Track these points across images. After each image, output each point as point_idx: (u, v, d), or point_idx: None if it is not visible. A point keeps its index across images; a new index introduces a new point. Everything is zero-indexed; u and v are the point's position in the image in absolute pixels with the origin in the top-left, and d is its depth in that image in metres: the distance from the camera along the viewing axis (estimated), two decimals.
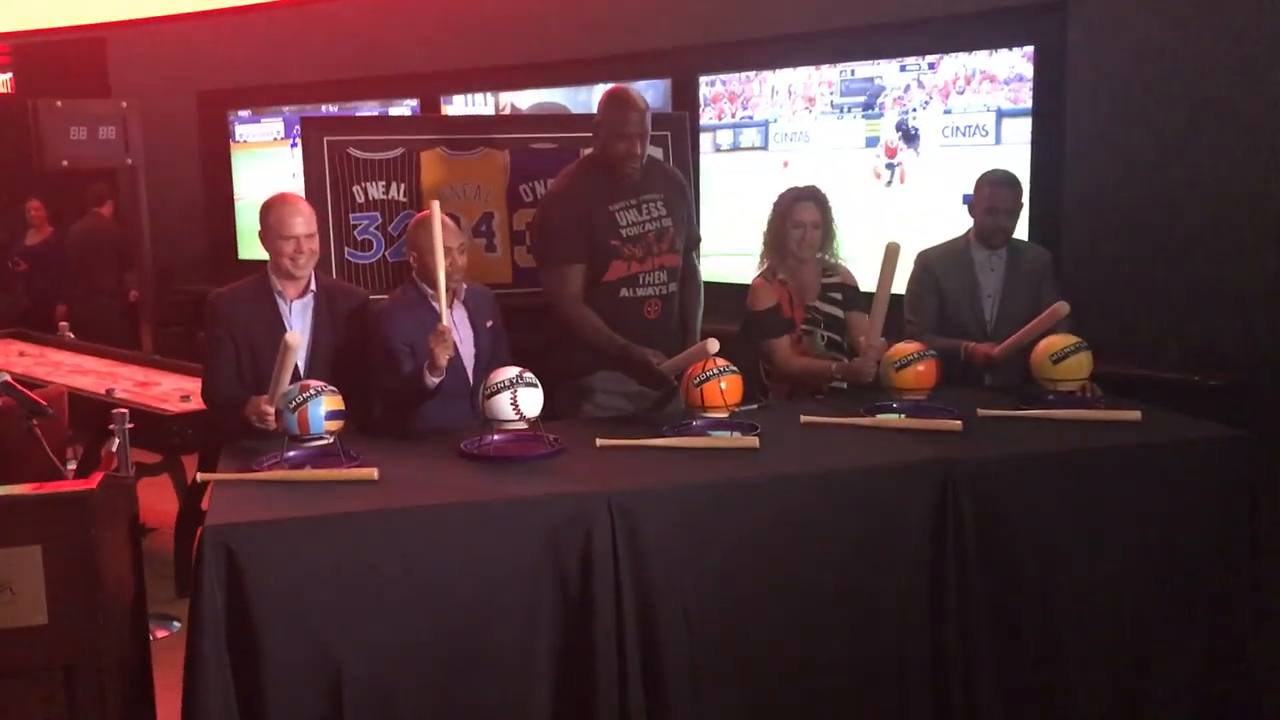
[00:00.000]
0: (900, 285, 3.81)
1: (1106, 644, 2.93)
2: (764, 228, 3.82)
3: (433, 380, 3.17)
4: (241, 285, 3.38)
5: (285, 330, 3.22)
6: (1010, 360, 3.60)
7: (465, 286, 3.42)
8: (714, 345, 3.10)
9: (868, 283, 3.80)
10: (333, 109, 7.74)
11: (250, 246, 8.39)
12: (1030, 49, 4.69)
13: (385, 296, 3.72)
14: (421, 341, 3.20)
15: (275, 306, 3.31)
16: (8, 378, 3.10)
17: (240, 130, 8.56)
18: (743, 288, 3.88)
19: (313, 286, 3.36)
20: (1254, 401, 3.98)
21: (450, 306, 3.25)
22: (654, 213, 3.70)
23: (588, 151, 3.93)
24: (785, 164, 5.53)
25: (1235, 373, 4.12)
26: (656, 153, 4.45)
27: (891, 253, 3.25)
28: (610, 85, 3.95)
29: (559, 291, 3.62)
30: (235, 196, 8.56)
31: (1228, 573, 2.98)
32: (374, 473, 2.73)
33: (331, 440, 2.86)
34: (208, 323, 3.34)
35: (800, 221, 3.70)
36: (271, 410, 2.95)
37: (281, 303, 3.31)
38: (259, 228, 3.33)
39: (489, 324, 3.45)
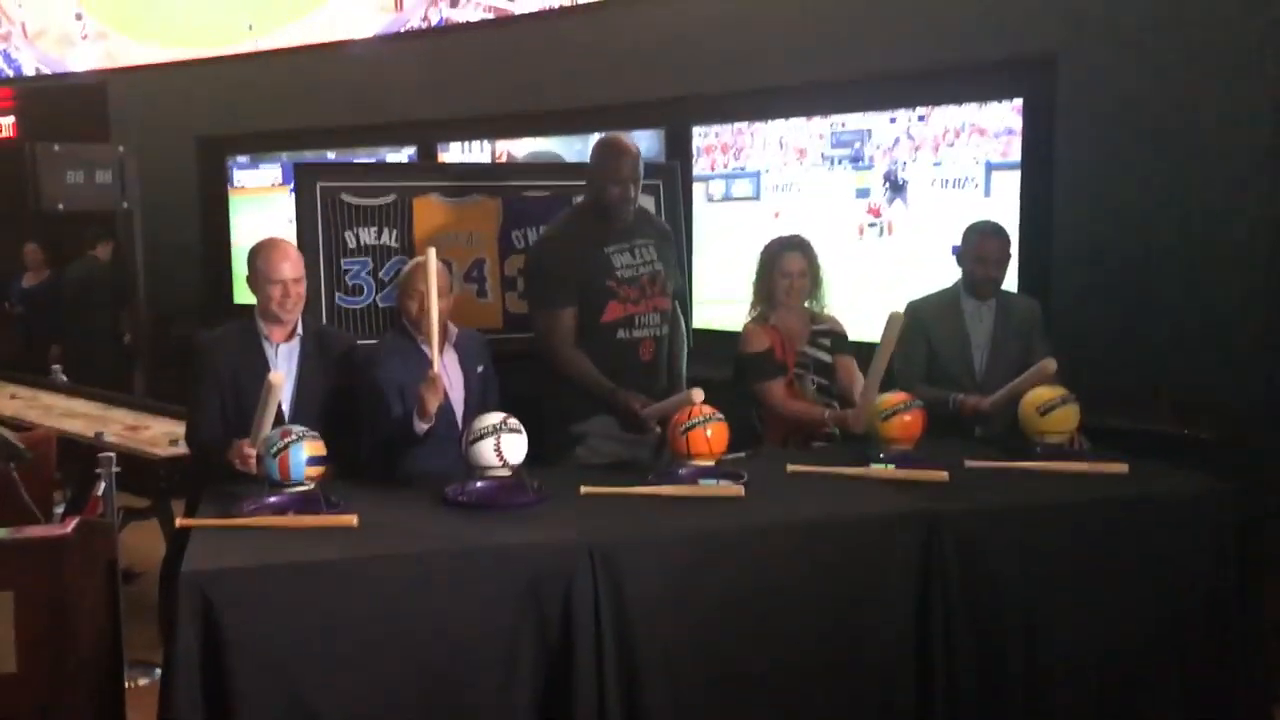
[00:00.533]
0: None
1: (1094, 698, 2.89)
2: (752, 277, 3.84)
3: (421, 426, 3.15)
4: (228, 328, 3.38)
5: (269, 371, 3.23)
6: (1000, 413, 3.59)
7: (455, 330, 3.41)
8: (699, 395, 3.10)
9: (855, 332, 3.82)
10: (331, 155, 7.79)
11: (246, 291, 8.39)
12: (1019, 102, 4.73)
13: (374, 341, 3.72)
14: (410, 386, 3.19)
15: (261, 350, 3.30)
16: None
17: (239, 176, 8.61)
18: (735, 335, 3.89)
19: (299, 331, 3.35)
20: (1243, 454, 3.96)
21: (440, 352, 3.24)
22: (646, 256, 3.72)
23: (579, 199, 3.95)
24: (776, 214, 5.55)
25: (1225, 426, 4.10)
26: (649, 202, 4.47)
27: (893, 321, 3.25)
28: (594, 136, 3.99)
29: (549, 333, 3.62)
30: (232, 241, 8.60)
31: (1217, 626, 2.95)
32: (354, 520, 2.71)
33: (312, 486, 2.84)
34: (194, 365, 3.33)
35: (788, 271, 3.73)
36: (254, 453, 2.94)
37: (268, 346, 3.30)
38: (247, 271, 3.33)
39: (479, 369, 3.44)
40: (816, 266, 3.78)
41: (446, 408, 3.26)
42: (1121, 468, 3.15)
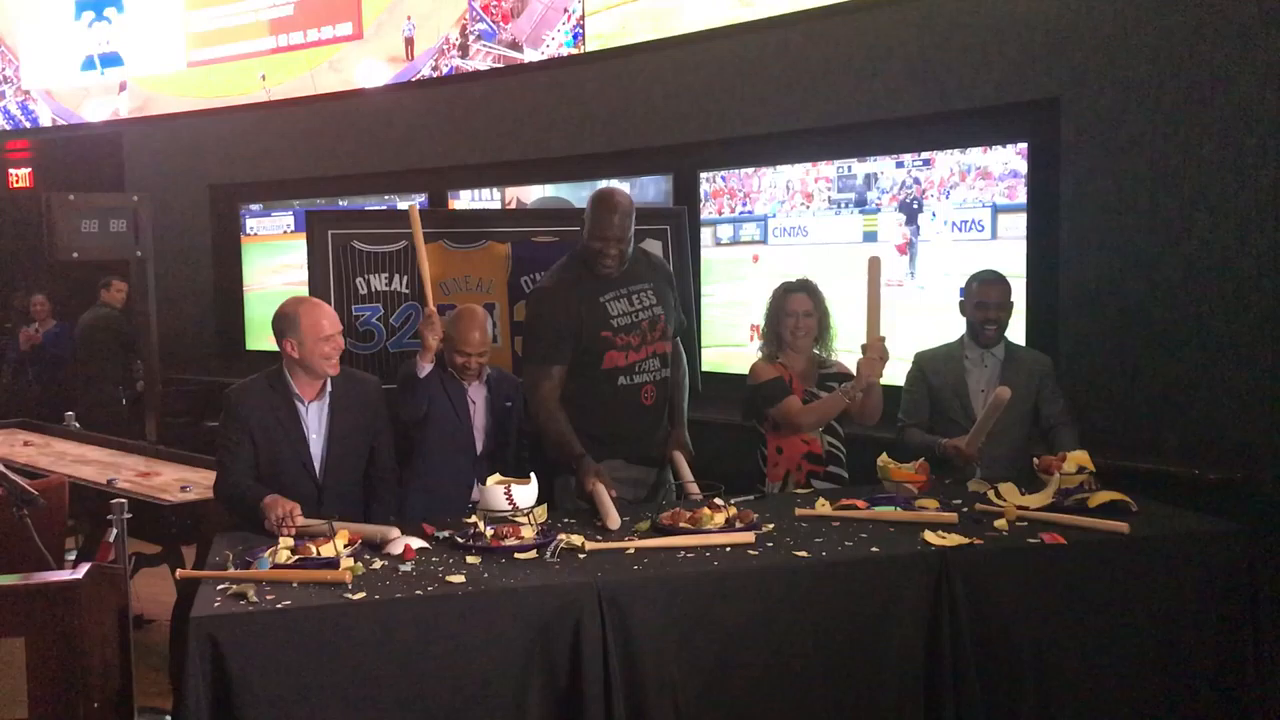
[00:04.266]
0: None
1: None
2: (762, 320, 3.90)
3: (424, 368, 3.51)
4: (256, 380, 3.41)
5: (301, 430, 3.35)
6: (978, 452, 3.62)
7: (489, 370, 3.74)
8: (615, 522, 3.18)
9: None
10: (343, 204, 7.85)
11: (258, 338, 8.51)
12: (1024, 145, 4.77)
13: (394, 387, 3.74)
14: (440, 401, 3.60)
15: (293, 407, 3.37)
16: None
17: (251, 224, 8.68)
18: (741, 377, 3.91)
19: (328, 387, 3.42)
20: (1253, 495, 3.94)
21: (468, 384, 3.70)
22: (645, 302, 3.75)
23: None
24: (784, 259, 5.57)
25: (1234, 466, 4.09)
26: (655, 246, 4.52)
27: (872, 265, 3.53)
28: (602, 184, 4.02)
29: (534, 387, 3.68)
30: (244, 289, 8.66)
31: (1228, 666, 2.94)
32: (346, 576, 2.68)
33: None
34: (224, 418, 3.38)
35: (793, 310, 3.78)
36: (288, 511, 3.07)
37: (300, 404, 3.38)
38: (288, 333, 3.34)
39: (507, 404, 3.75)
40: (823, 308, 3.81)
41: (466, 424, 3.65)
42: (1122, 527, 3.03)
